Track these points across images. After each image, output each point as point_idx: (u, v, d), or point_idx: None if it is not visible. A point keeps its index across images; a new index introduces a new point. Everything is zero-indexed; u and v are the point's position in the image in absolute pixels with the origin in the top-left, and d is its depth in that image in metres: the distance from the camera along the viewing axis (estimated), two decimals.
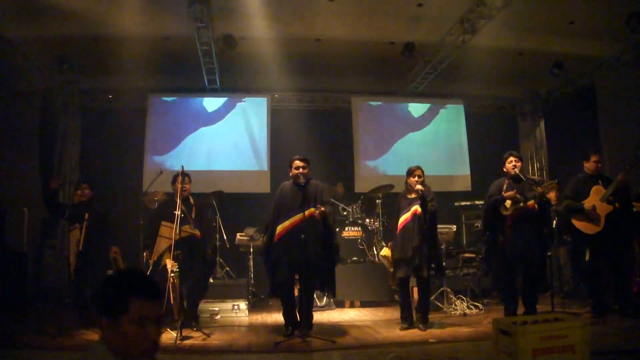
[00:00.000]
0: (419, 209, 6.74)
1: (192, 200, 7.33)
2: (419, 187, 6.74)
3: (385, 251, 7.14)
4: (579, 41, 10.77)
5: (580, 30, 10.34)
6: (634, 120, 10.55)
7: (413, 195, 6.91)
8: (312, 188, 6.61)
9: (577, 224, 7.12)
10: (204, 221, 7.55)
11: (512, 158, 6.94)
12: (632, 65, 10.54)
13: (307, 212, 6.28)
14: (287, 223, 6.44)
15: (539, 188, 6.67)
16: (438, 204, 6.94)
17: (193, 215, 7.20)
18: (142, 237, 8.82)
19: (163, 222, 6.99)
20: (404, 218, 6.88)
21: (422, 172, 6.95)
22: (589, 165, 7.25)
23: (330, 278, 6.65)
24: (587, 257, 6.99)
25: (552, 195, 9.27)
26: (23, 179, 10.69)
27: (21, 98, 10.96)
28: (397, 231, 6.91)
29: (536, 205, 6.70)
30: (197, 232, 7.14)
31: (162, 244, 6.91)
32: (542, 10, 9.62)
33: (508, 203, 6.69)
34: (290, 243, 6.32)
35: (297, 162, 6.63)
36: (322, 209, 6.34)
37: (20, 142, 10.88)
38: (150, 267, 6.89)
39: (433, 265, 6.86)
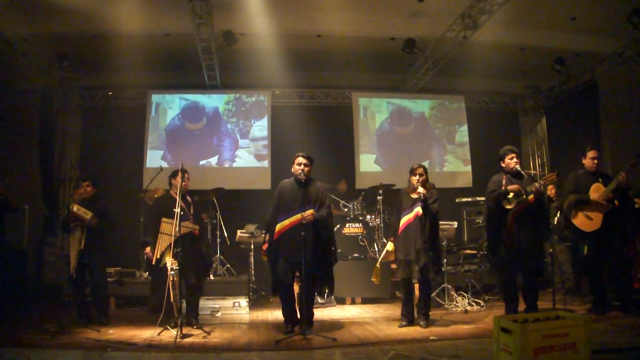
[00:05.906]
0: (421, 212, 6.67)
1: (189, 198, 7.27)
2: (420, 189, 6.68)
3: (391, 246, 7.04)
4: (580, 37, 10.75)
5: (582, 26, 10.31)
6: (635, 116, 10.52)
7: (416, 195, 6.79)
8: (314, 189, 6.59)
9: (575, 221, 7.07)
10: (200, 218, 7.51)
11: (512, 154, 6.90)
12: (634, 61, 10.50)
13: (305, 214, 6.27)
14: (286, 222, 6.42)
15: (536, 183, 6.62)
16: (440, 200, 6.88)
17: (192, 211, 7.16)
18: (142, 235, 8.83)
19: (164, 219, 6.87)
20: (406, 219, 6.80)
21: (425, 170, 6.89)
22: (585, 162, 7.21)
23: (328, 278, 6.63)
24: (585, 252, 6.97)
25: (552, 191, 9.26)
26: (23, 177, 10.65)
27: (21, 96, 10.94)
28: (399, 232, 6.85)
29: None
30: (197, 228, 7.12)
31: (164, 241, 6.81)
32: (543, 5, 9.59)
33: (511, 196, 6.63)
34: (289, 242, 6.31)
35: (301, 159, 6.60)
36: (311, 214, 6.33)
37: (21, 140, 10.87)
38: (153, 264, 6.88)
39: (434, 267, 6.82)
